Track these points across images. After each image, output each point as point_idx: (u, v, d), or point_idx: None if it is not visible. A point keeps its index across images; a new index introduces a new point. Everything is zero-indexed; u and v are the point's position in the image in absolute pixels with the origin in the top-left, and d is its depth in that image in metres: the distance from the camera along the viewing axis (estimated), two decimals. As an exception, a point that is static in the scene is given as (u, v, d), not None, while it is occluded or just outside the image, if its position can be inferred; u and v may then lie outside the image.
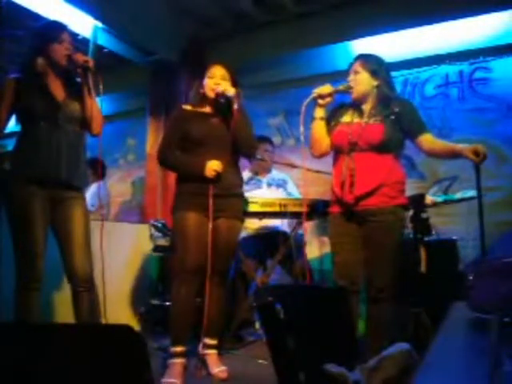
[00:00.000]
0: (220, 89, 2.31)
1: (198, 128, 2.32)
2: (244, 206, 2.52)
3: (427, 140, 2.17)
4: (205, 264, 2.25)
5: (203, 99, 2.40)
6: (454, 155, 2.10)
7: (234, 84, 2.38)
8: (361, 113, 2.23)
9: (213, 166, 2.24)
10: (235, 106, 2.27)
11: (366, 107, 2.23)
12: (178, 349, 2.20)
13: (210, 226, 2.27)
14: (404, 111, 2.17)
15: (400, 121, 2.15)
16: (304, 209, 2.53)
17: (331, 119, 2.29)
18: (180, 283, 2.25)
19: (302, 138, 2.22)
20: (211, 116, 2.39)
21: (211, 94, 2.34)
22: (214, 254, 2.28)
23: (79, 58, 2.10)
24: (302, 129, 2.19)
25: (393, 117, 2.14)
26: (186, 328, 2.28)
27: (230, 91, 2.29)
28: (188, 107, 2.44)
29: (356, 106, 2.25)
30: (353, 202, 2.12)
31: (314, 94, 2.22)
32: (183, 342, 2.22)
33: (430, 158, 2.47)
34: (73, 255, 2.10)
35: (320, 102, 2.23)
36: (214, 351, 2.37)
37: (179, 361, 2.19)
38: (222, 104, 2.34)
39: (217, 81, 2.35)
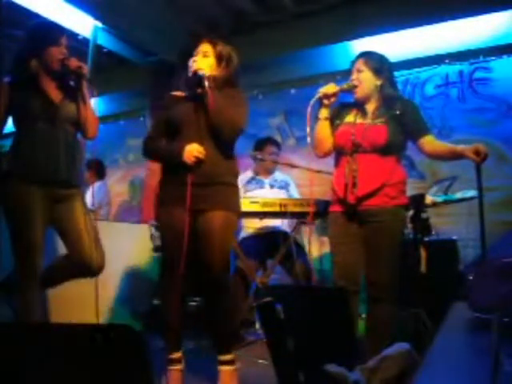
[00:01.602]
0: (194, 67, 2.06)
1: (175, 113, 2.11)
2: (237, 199, 2.16)
3: (429, 142, 2.16)
4: (192, 262, 2.02)
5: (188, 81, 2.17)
6: (456, 156, 2.09)
7: (219, 61, 2.15)
8: (364, 113, 2.21)
9: (192, 152, 1.98)
10: (206, 85, 2.01)
11: (370, 107, 2.21)
12: (174, 356, 2.12)
13: (187, 218, 1.99)
14: (407, 111, 2.15)
15: (403, 121, 2.14)
16: (311, 208, 2.53)
17: (334, 119, 2.27)
18: (166, 288, 2.11)
19: (308, 139, 2.21)
20: (188, 99, 2.15)
21: (190, 74, 2.10)
22: (206, 254, 2.03)
23: (72, 63, 2.08)
24: (308, 129, 2.18)
25: (396, 118, 2.13)
26: (177, 334, 2.16)
27: (203, 69, 2.06)
28: (174, 93, 2.22)
29: (359, 105, 2.24)
30: (354, 203, 2.12)
31: (319, 94, 2.19)
32: (177, 347, 2.14)
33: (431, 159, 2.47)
34: (83, 245, 2.10)
35: (325, 101, 2.20)
36: (228, 367, 2.05)
37: (176, 367, 2.12)
38: (195, 84, 2.09)
39: (196, 58, 2.10)
